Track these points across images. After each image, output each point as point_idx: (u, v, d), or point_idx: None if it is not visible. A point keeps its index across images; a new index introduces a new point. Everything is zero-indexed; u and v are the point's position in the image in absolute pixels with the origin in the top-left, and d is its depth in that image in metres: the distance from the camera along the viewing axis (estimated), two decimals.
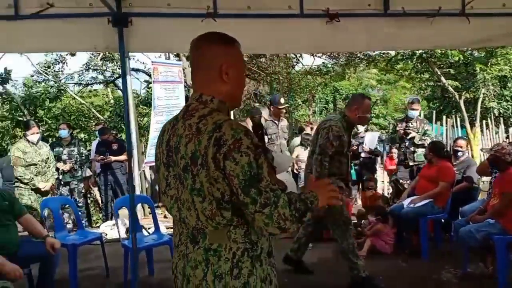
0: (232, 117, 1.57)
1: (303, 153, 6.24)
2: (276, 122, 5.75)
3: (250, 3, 3.11)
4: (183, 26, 3.06)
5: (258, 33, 3.16)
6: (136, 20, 3.01)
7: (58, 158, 6.22)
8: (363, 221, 5.27)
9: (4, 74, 9.59)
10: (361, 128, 6.93)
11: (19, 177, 5.46)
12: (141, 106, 10.46)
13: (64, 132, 6.40)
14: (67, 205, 5.65)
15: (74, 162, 6.48)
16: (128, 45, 3.00)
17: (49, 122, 10.01)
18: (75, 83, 11.32)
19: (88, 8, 2.88)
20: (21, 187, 5.48)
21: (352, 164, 6.91)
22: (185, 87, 7.32)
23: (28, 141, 5.54)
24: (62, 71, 10.92)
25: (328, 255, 4.54)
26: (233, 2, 3.09)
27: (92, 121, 10.41)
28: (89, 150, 7.35)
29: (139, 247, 3.84)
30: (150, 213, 7.47)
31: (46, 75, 10.52)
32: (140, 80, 11.57)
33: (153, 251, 4.26)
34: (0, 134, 10.01)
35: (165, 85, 6.66)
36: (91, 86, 11.46)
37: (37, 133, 5.66)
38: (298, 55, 9.17)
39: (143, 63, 10.93)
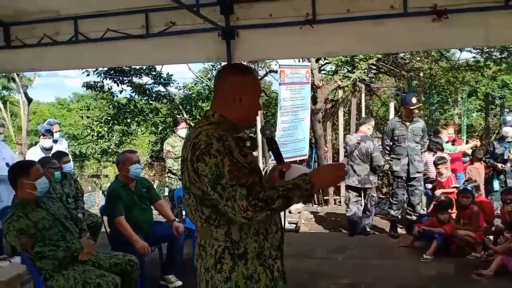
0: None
1: (430, 158, 5.79)
2: (407, 123, 5.44)
3: (349, 6, 3.11)
4: (283, 34, 3.24)
5: (357, 34, 3.15)
6: (242, 32, 3.31)
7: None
8: (499, 238, 4.69)
9: (166, 78, 11.29)
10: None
11: (169, 168, 6.33)
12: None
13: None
14: None
15: None
16: (235, 55, 3.32)
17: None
18: None
19: (202, 24, 3.28)
20: (171, 176, 6.33)
21: (494, 173, 6.12)
22: (312, 87, 7.49)
23: (178, 135, 6.27)
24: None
25: (448, 270, 4.25)
26: (332, 7, 3.15)
27: None
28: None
29: None
30: None
31: (201, 79, 11.93)
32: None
33: None
34: (163, 129, 11.80)
35: (291, 86, 6.93)
36: None
37: (185, 128, 6.39)
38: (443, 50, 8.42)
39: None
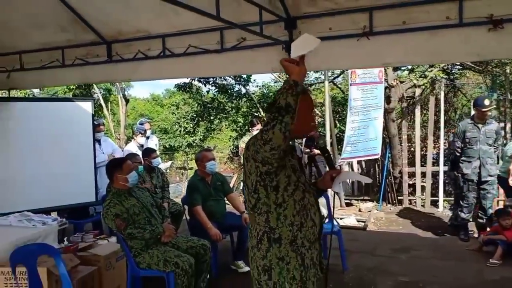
0: None
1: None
2: (479, 125, 5.35)
3: (405, 18, 3.27)
4: (342, 45, 3.49)
5: (412, 45, 3.29)
6: None
7: None
8: None
9: (246, 79, 11.92)
10: None
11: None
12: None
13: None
14: None
15: None
16: None
17: None
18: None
19: (268, 39, 3.67)
20: None
21: None
22: (385, 87, 7.49)
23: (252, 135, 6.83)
24: None
25: None
26: (389, 20, 3.31)
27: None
28: (300, 143, 8.42)
29: None
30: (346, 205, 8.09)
31: (278, 79, 12.35)
32: None
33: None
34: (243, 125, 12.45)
35: (362, 86, 7.03)
36: (316, 85, 12.68)
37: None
38: None
39: None
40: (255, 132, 6.62)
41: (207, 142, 13.27)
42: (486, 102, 5.34)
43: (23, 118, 5.14)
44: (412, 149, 8.95)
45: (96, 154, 5.69)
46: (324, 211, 2.29)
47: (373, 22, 3.35)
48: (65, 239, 3.83)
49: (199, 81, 11.78)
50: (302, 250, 1.90)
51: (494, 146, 5.36)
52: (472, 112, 5.80)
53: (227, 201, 4.84)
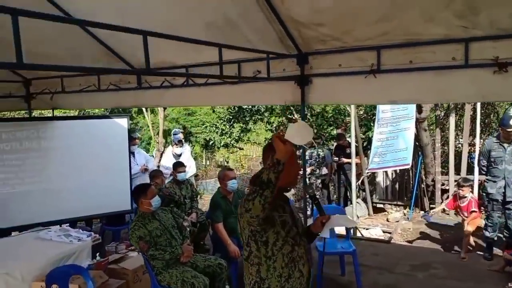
0: None
1: None
2: (504, 145, 5.26)
3: (412, 57, 3.35)
4: (350, 81, 3.62)
5: (419, 84, 3.36)
6: (314, 80, 3.80)
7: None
8: None
9: None
10: None
11: None
12: None
13: None
14: None
15: (314, 162, 7.80)
16: (308, 99, 3.83)
17: (312, 120, 12.00)
18: None
19: (282, 72, 3.87)
20: None
21: None
22: None
23: None
24: None
25: None
26: (396, 58, 3.41)
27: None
28: (330, 149, 8.54)
29: (326, 252, 4.74)
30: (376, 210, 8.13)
31: None
32: None
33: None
34: (277, 126, 12.74)
35: None
36: None
37: None
38: None
39: None
40: None
41: (242, 143, 13.62)
42: None
43: (65, 135, 5.66)
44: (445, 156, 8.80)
45: (131, 165, 6.14)
46: (349, 224, 2.38)
47: (381, 60, 3.46)
48: (97, 254, 4.25)
49: None
50: None
51: None
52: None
53: None
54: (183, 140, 7.41)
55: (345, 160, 7.76)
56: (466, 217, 5.76)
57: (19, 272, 3.46)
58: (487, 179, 5.41)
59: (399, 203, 8.97)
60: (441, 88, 3.30)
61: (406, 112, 7.17)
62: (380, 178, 9.17)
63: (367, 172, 7.60)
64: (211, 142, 13.70)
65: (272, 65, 3.77)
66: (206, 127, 13.73)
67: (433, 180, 8.31)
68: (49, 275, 3.28)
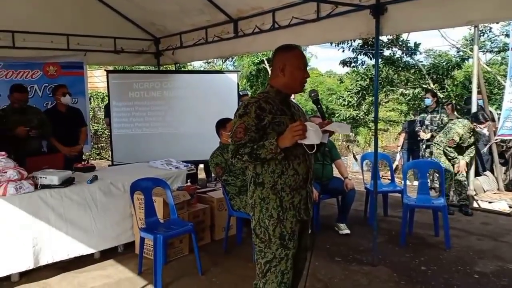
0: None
1: None
2: None
3: None
4: (427, 6, 3.29)
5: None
6: (390, 7, 3.55)
7: (421, 123, 7.07)
8: None
9: (413, 48, 11.11)
10: None
11: None
12: None
13: (428, 101, 7.11)
14: None
15: (435, 127, 7.13)
16: (383, 29, 3.60)
17: (450, 89, 10.71)
18: (486, 51, 11.19)
19: (358, 4, 3.74)
20: None
21: None
22: None
23: None
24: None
25: None
26: None
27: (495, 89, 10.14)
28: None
29: (413, 204, 4.42)
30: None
31: (455, 46, 11.13)
32: None
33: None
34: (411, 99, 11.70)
35: None
36: (504, 53, 10.89)
37: None
38: None
39: None
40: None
41: (371, 117, 13.04)
42: None
43: (183, 87, 6.42)
44: None
45: None
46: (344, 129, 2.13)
47: None
48: (189, 180, 4.78)
49: (365, 54, 11.64)
50: (282, 194, 2.17)
51: None
52: None
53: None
54: None
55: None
56: None
57: (121, 183, 4.17)
58: None
59: None
60: None
61: None
62: None
63: (496, 139, 6.59)
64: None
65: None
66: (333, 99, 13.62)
67: None
68: (134, 184, 3.80)
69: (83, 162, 4.75)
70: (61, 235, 3.67)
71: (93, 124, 10.75)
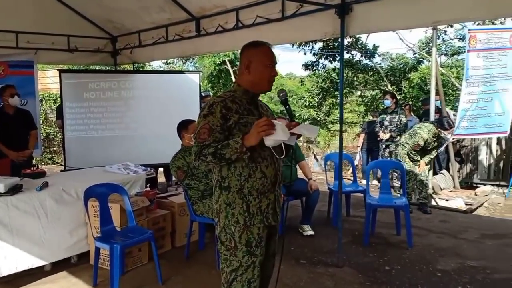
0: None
1: None
2: None
3: None
4: (392, 6, 3.29)
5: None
6: (355, 7, 3.53)
7: (381, 124, 7.18)
8: None
9: (372, 51, 11.39)
10: None
11: None
12: None
13: (387, 102, 7.24)
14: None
15: (394, 128, 7.26)
16: (349, 30, 3.58)
17: (406, 91, 11.04)
18: (441, 54, 11.65)
19: (323, 3, 3.69)
20: None
21: None
22: None
23: None
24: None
25: None
26: None
27: (449, 90, 10.54)
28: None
29: (375, 204, 4.46)
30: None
31: (413, 49, 11.46)
32: None
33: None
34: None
35: (485, 53, 6.19)
36: (457, 56, 11.38)
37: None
38: None
39: None
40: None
41: (331, 118, 13.24)
42: None
43: (142, 87, 6.16)
44: None
45: None
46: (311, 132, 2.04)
47: None
48: (148, 185, 4.57)
49: (326, 58, 11.81)
50: (249, 198, 2.05)
51: None
52: None
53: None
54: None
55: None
56: None
57: (74, 190, 3.90)
58: None
59: (502, 183, 7.91)
60: (495, 2, 2.82)
61: (504, 70, 6.25)
62: (482, 156, 8.17)
63: (453, 138, 6.81)
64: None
65: None
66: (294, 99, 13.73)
67: None
68: (88, 190, 3.55)
69: (32, 168, 4.43)
70: (7, 247, 3.37)
71: (44, 127, 10.21)
